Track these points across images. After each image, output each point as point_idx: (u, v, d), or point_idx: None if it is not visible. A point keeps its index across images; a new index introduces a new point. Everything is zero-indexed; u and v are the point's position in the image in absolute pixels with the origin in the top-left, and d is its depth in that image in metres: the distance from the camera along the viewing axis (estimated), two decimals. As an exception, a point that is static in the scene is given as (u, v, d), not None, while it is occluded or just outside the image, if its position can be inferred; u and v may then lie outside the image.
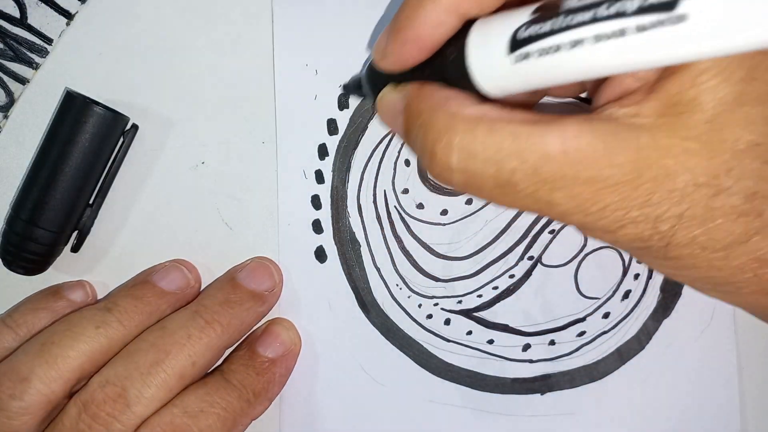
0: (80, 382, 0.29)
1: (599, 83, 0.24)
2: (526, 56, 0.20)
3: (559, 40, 0.19)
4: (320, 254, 0.33)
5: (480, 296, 0.33)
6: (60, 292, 0.31)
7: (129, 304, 0.30)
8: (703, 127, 0.20)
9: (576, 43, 0.19)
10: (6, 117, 0.33)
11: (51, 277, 0.32)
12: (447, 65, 0.23)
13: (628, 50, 0.18)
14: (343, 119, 0.33)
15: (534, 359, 0.33)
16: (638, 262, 0.33)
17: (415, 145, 0.24)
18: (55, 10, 0.32)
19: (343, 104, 0.33)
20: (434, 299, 0.33)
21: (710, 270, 0.22)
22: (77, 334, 0.28)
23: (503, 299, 0.33)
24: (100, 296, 0.33)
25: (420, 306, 0.33)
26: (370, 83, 0.28)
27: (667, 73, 0.20)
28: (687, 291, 0.33)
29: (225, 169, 0.33)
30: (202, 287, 0.33)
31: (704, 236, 0.21)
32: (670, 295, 0.33)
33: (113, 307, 0.30)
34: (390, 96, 0.26)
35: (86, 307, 0.30)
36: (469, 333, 0.33)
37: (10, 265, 0.31)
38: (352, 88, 0.32)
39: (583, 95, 0.31)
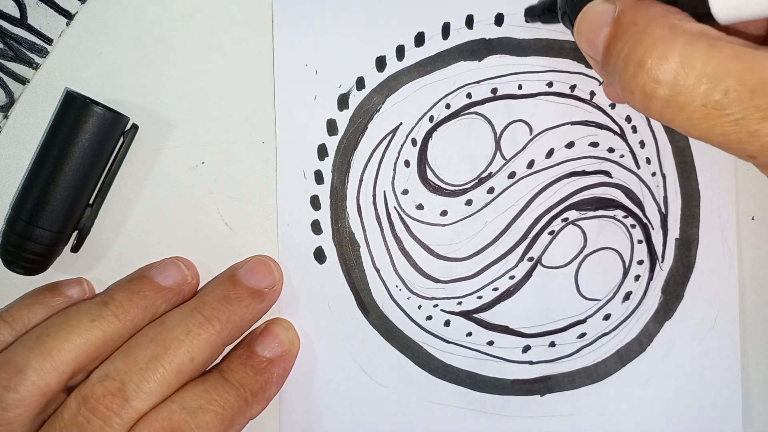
0: (75, 376, 0.29)
1: None
2: None
3: None
4: (319, 255, 0.33)
5: (480, 297, 0.33)
6: (57, 289, 0.31)
7: (125, 298, 0.30)
8: None
9: None
10: (6, 117, 0.33)
11: (51, 277, 0.32)
12: None
13: None
14: (342, 120, 0.33)
15: (534, 361, 0.33)
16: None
17: (618, 57, 0.23)
18: (55, 10, 0.32)
19: (343, 105, 0.33)
20: (434, 300, 0.33)
21: None
22: (72, 327, 0.28)
23: (503, 300, 0.33)
24: (98, 296, 0.33)
25: (420, 307, 0.33)
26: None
27: None
28: (689, 293, 0.33)
29: (225, 169, 0.33)
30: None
31: None
32: (671, 297, 0.33)
33: (109, 301, 0.30)
34: (599, 6, 0.25)
35: (82, 302, 0.30)
36: (469, 334, 0.33)
37: (10, 265, 0.31)
38: (540, 9, 0.31)
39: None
